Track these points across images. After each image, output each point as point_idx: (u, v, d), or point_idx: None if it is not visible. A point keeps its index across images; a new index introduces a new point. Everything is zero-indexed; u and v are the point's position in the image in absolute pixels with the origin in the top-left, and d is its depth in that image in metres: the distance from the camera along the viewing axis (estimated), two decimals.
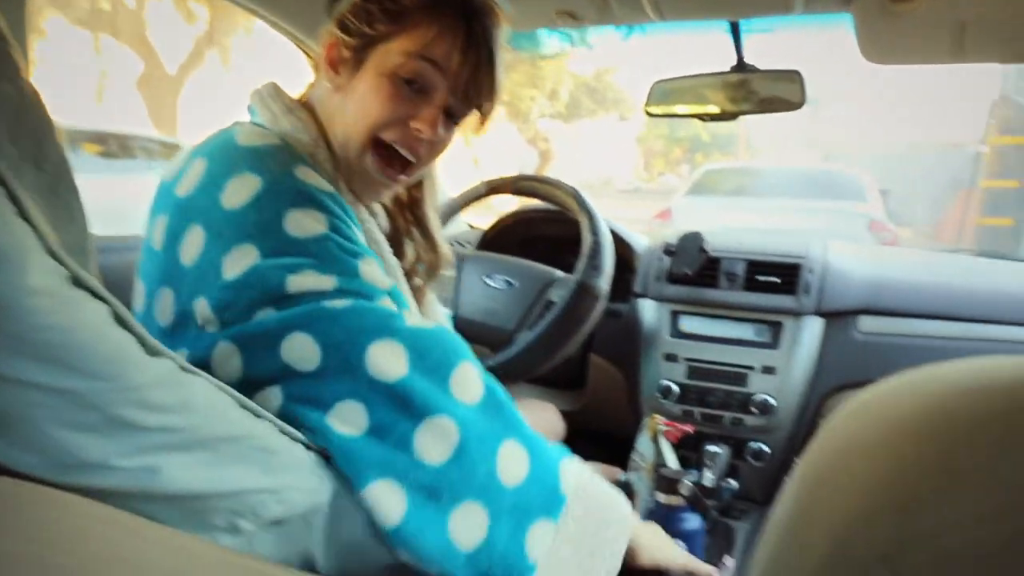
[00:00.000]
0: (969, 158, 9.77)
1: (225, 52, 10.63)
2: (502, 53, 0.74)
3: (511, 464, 0.64)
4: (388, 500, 0.57)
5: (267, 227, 0.60)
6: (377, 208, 0.86)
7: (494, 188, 1.46)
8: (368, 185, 0.76)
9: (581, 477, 0.70)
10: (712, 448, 1.31)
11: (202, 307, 0.60)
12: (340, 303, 0.60)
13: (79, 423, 0.43)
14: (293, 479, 0.55)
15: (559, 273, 1.46)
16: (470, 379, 0.65)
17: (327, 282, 0.60)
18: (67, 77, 9.32)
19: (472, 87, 0.72)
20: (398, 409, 0.59)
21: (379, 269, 0.66)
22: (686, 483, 0.91)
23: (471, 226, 1.99)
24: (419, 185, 0.87)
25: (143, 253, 0.68)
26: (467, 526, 0.60)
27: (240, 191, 0.60)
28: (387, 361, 0.60)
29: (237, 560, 0.49)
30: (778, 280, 1.37)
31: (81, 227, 0.57)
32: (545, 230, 1.72)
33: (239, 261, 0.59)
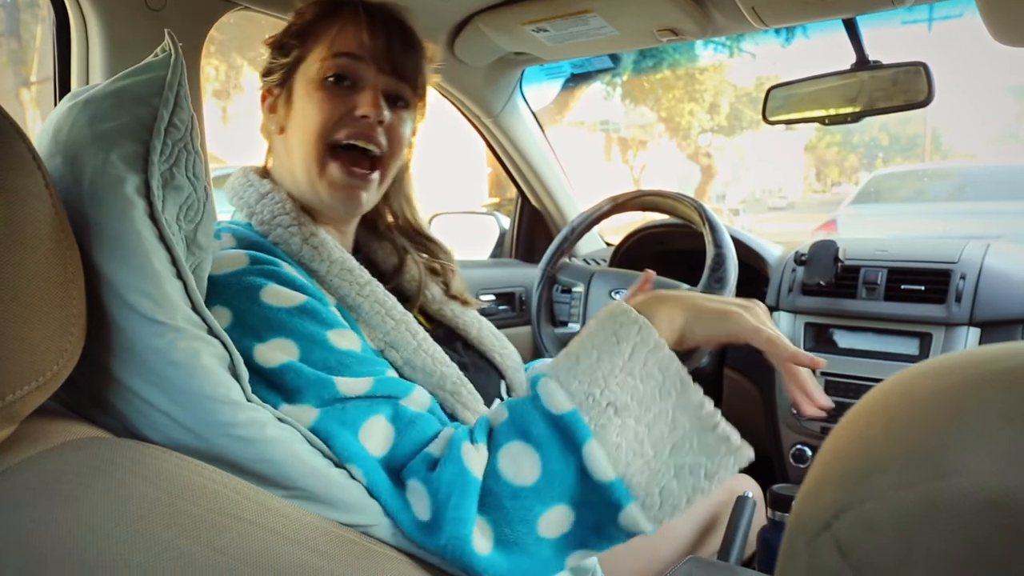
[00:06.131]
0: None
1: None
2: (413, 25, 0.77)
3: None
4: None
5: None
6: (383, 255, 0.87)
7: (618, 205, 1.48)
8: (344, 200, 0.74)
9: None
10: None
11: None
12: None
13: (184, 442, 0.54)
14: (368, 518, 0.59)
15: (684, 286, 1.45)
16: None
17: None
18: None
19: (394, 61, 0.74)
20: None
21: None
22: None
23: (606, 243, 2.02)
24: (393, 197, 0.87)
25: None
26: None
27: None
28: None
29: (347, 534, 0.55)
30: (922, 288, 1.27)
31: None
32: (677, 243, 1.71)
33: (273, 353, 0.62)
